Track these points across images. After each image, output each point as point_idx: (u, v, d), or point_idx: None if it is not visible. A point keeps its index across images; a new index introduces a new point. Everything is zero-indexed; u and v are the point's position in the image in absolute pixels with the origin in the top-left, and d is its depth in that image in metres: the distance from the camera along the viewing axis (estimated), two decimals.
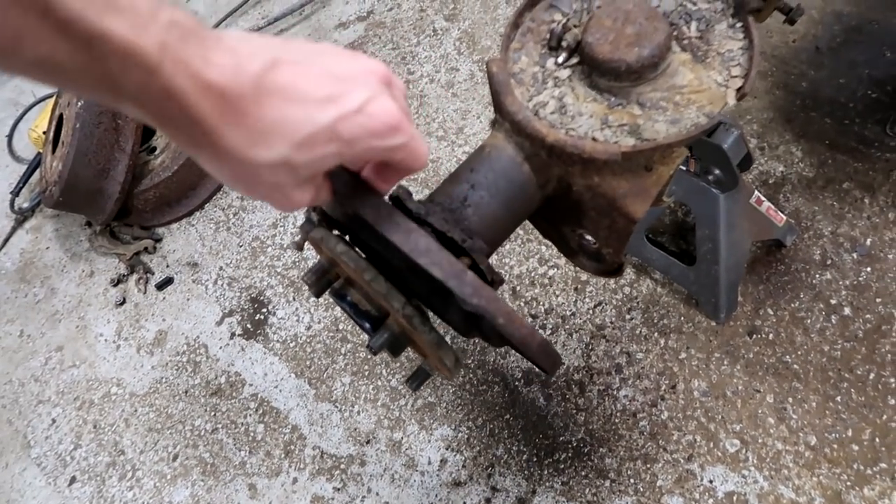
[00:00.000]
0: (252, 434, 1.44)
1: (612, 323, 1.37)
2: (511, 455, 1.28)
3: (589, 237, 0.86)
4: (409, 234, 0.62)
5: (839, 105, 1.48)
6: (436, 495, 1.28)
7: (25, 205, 1.90)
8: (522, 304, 1.42)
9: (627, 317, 1.37)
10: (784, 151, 1.47)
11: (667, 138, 0.71)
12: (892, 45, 1.53)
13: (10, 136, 2.08)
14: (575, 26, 0.82)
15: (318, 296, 0.74)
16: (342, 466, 1.35)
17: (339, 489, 1.33)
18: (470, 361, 1.40)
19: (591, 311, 1.39)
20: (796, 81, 1.54)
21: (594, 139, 0.73)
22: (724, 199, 1.19)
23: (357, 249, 0.72)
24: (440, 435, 1.33)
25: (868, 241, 1.33)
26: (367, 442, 1.36)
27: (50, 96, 1.81)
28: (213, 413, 1.49)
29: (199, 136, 0.43)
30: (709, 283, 1.28)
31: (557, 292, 1.41)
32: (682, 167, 1.20)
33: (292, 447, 1.40)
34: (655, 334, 1.34)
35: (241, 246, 1.69)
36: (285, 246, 1.65)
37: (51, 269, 1.83)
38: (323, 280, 0.74)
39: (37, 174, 1.88)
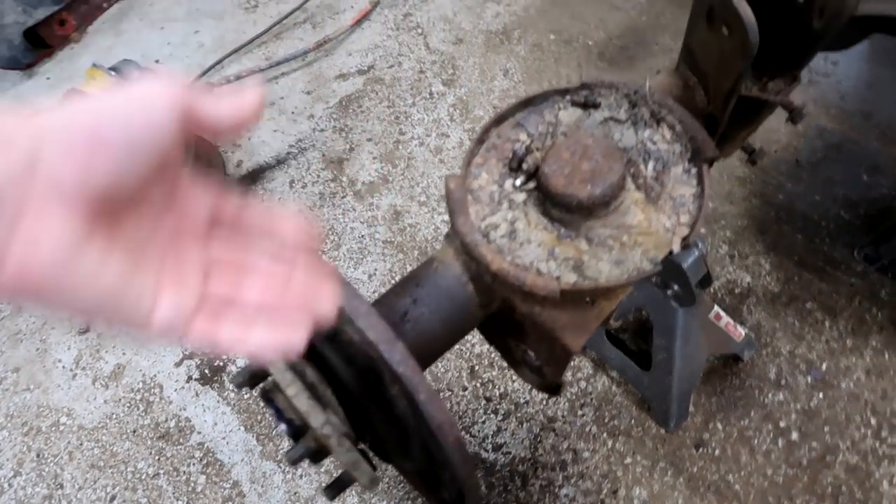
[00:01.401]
0: (193, 484, 1.43)
1: (563, 417, 1.37)
2: None
3: (532, 353, 0.87)
4: (353, 300, 0.62)
5: (812, 222, 1.49)
6: None
7: None
8: (479, 384, 1.42)
9: (580, 412, 1.37)
10: (753, 262, 1.48)
11: (608, 281, 0.72)
12: (869, 168, 1.55)
13: None
14: (537, 149, 0.83)
15: (239, 388, 0.74)
16: None
17: None
18: None
19: (544, 402, 1.39)
20: (773, 192, 1.56)
21: (538, 271, 0.74)
22: (682, 314, 1.19)
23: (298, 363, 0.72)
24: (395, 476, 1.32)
25: (824, 366, 1.34)
26: (306, 498, 1.35)
27: None
28: (157, 457, 1.47)
29: None
30: (661, 390, 1.29)
31: (514, 378, 1.41)
32: None
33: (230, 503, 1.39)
34: (604, 434, 1.34)
35: None
36: None
37: None
38: (252, 380, 0.74)
39: None
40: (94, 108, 0.35)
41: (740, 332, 1.33)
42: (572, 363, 1.43)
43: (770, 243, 1.50)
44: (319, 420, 0.65)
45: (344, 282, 0.62)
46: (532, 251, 0.76)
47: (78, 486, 1.47)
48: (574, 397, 1.39)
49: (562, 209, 0.76)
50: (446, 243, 0.81)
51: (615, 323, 1.02)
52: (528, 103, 0.86)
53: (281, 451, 1.42)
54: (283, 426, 0.72)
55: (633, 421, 1.35)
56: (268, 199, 1.79)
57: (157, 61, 2.19)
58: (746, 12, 0.68)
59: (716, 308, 1.27)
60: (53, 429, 1.56)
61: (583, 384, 1.40)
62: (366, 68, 2.02)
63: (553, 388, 0.88)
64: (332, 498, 0.75)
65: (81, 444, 1.52)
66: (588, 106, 0.85)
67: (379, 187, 1.75)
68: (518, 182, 0.81)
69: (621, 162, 0.77)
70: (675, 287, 1.19)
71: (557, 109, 0.86)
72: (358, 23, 2.11)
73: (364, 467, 0.69)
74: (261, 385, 0.75)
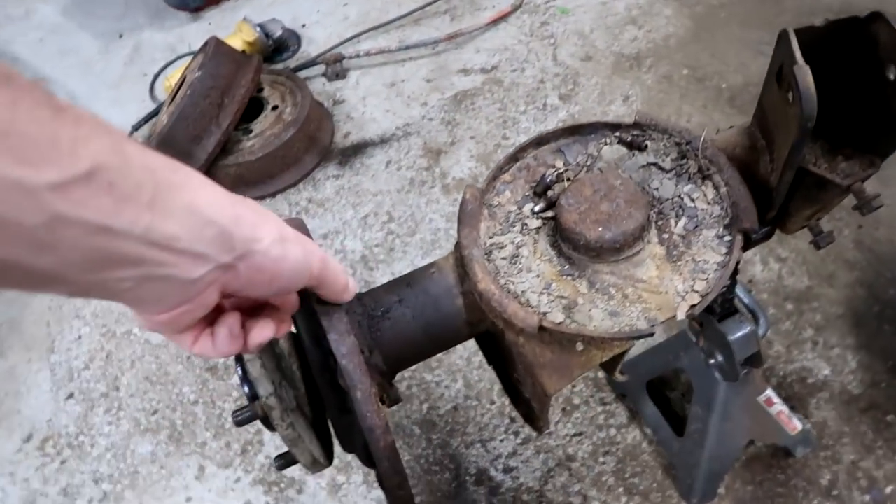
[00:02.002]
0: (223, 420, 1.51)
1: (583, 459, 1.31)
2: None
3: (522, 383, 0.84)
4: (343, 333, 0.63)
5: None
6: None
7: (139, 141, 2.11)
8: (507, 402, 1.39)
9: (601, 459, 1.30)
10: (838, 356, 1.33)
11: (594, 330, 0.68)
12: None
13: (155, 77, 2.31)
14: (568, 179, 0.79)
15: None
16: (282, 485, 1.39)
17: None
18: (435, 437, 1.38)
19: (568, 438, 1.33)
20: (884, 286, 1.39)
21: (527, 301, 0.71)
22: (724, 388, 1.10)
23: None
24: (378, 496, 1.33)
25: (888, 489, 1.18)
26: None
27: (192, 54, 1.99)
28: (201, 387, 1.57)
29: None
30: (690, 462, 1.19)
31: None
32: (692, 335, 1.13)
33: (249, 448, 1.46)
34: (621, 489, 1.27)
35: None
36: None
37: None
38: None
39: (155, 119, 2.07)
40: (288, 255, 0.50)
41: (796, 425, 1.20)
42: (607, 406, 1.36)
43: (863, 340, 1.34)
44: (266, 390, 0.67)
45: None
46: (528, 281, 0.73)
47: (130, 392, 1.61)
48: (600, 442, 1.32)
49: (570, 245, 0.73)
50: (451, 253, 0.80)
51: (622, 377, 0.95)
52: (574, 131, 0.82)
53: None
54: (245, 388, 0.75)
55: (654, 484, 1.26)
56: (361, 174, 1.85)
57: (303, 25, 2.32)
58: (805, 79, 0.61)
59: (769, 392, 1.16)
60: (125, 336, 1.71)
61: (612, 431, 1.33)
62: (489, 68, 2.02)
63: (537, 426, 0.84)
64: (279, 468, 0.77)
65: (143, 357, 1.66)
66: (634, 146, 0.80)
67: (467, 185, 1.74)
68: (537, 208, 0.78)
69: (644, 211, 0.72)
70: (719, 358, 1.10)
71: (602, 143, 0.82)
72: (494, 22, 2.11)
73: (303, 447, 0.70)
74: None
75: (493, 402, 1.40)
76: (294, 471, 1.39)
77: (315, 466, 0.74)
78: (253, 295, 0.51)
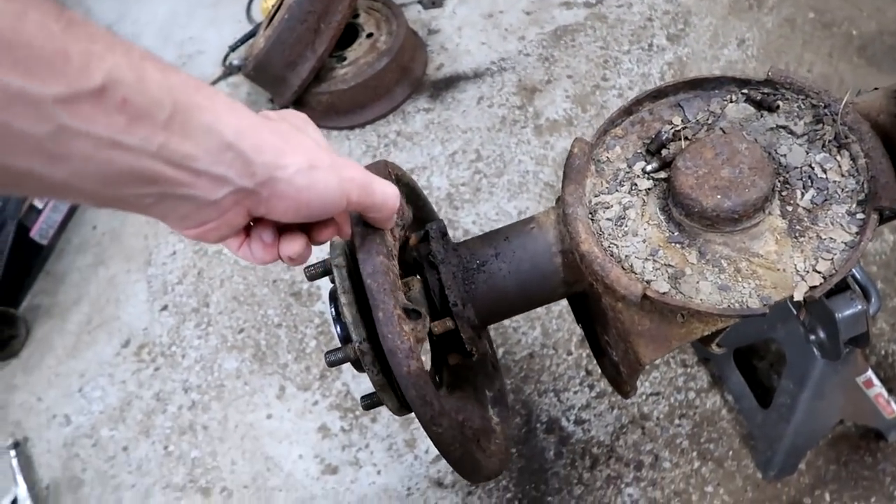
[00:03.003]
0: (304, 345, 1.57)
1: (658, 419, 1.29)
2: (497, 487, 1.29)
3: (612, 346, 0.81)
4: (370, 253, 0.62)
5: None
6: (416, 484, 1.32)
7: (235, 62, 2.12)
8: (585, 354, 1.38)
9: (677, 421, 1.28)
10: None
11: (701, 304, 0.64)
12: None
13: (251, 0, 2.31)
14: (686, 139, 0.74)
15: (309, 279, 0.78)
16: (357, 413, 1.44)
17: (345, 430, 1.42)
18: (509, 382, 1.39)
19: (644, 397, 1.31)
20: None
21: (631, 267, 0.68)
22: (822, 365, 1.04)
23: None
24: None
25: None
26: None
27: None
28: (284, 310, 1.63)
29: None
30: (773, 435, 1.15)
31: None
32: (792, 307, 1.07)
33: (328, 374, 1.51)
34: (694, 453, 1.24)
35: None
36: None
37: None
38: (324, 275, 0.77)
39: (251, 41, 2.07)
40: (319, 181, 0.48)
41: (894, 408, 1.14)
42: (688, 369, 1.32)
43: None
44: (360, 335, 0.67)
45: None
46: (634, 245, 0.70)
47: (219, 310, 1.68)
48: (677, 404, 1.30)
49: (682, 211, 0.68)
50: (552, 208, 0.77)
51: (719, 349, 0.91)
52: (696, 84, 0.76)
53: None
54: (337, 328, 0.75)
55: (730, 452, 1.23)
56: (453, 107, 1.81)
57: None
58: None
59: (869, 373, 1.09)
60: (216, 255, 1.78)
61: (692, 395, 1.30)
62: (593, 2, 1.91)
63: (623, 390, 0.83)
64: (365, 408, 0.78)
65: (232, 277, 1.72)
66: (763, 106, 0.73)
67: (560, 128, 1.68)
68: (650, 167, 0.73)
69: (769, 180, 0.66)
70: (821, 335, 1.03)
71: (728, 101, 0.75)
72: None
73: (392, 393, 0.71)
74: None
75: (569, 353, 1.38)
76: None
77: (401, 411, 0.74)
78: (283, 220, 0.50)
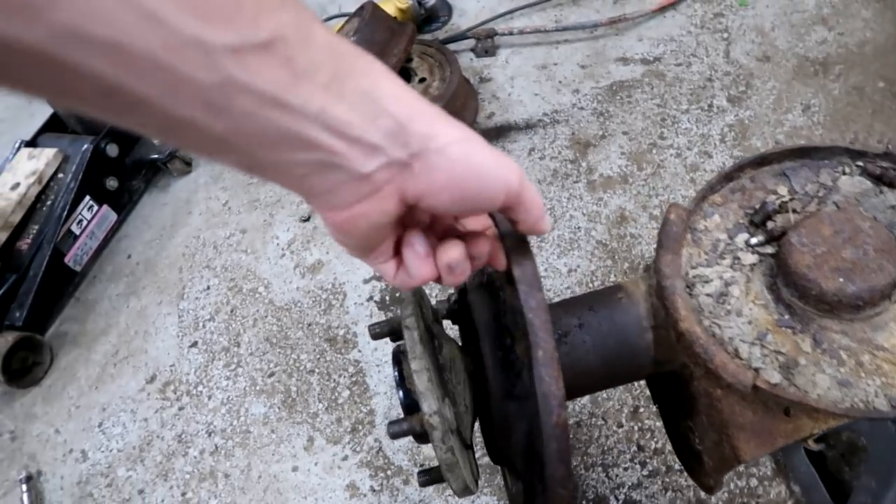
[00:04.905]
0: (336, 394, 1.49)
1: None
2: None
3: (696, 434, 0.74)
4: (533, 287, 0.56)
5: None
6: None
7: None
8: (637, 428, 1.29)
9: None
10: None
11: (819, 401, 0.57)
12: None
13: None
14: (794, 211, 0.68)
15: (375, 337, 0.72)
16: (389, 472, 1.35)
17: (374, 490, 1.34)
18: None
19: None
20: None
21: (736, 351, 0.61)
22: None
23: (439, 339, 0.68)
24: (483, 502, 1.27)
25: None
26: (423, 465, 1.34)
27: (344, 15, 1.96)
28: (318, 356, 1.56)
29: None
30: None
31: None
32: None
33: (360, 428, 1.43)
34: None
35: None
36: None
37: None
38: (391, 334, 0.71)
39: None
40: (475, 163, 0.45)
41: None
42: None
43: None
44: (431, 407, 0.60)
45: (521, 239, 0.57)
46: (738, 326, 0.63)
47: (250, 350, 1.62)
48: (738, 492, 1.20)
49: (795, 292, 0.62)
50: (641, 277, 0.70)
51: (815, 445, 0.83)
52: (804, 153, 0.70)
53: None
54: (400, 394, 0.69)
55: None
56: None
57: None
58: None
59: None
60: (251, 294, 1.73)
61: (753, 482, 1.20)
62: (651, 59, 1.87)
63: (705, 484, 0.74)
64: (421, 485, 0.71)
65: (266, 317, 1.67)
66: (883, 182, 0.67)
67: (615, 184, 1.63)
68: (754, 241, 0.67)
69: None
70: None
71: (840, 173, 0.69)
72: (662, 9, 1.95)
73: (458, 473, 0.64)
74: (397, 343, 0.73)
75: (620, 426, 1.29)
76: (403, 461, 1.35)
77: (465, 493, 0.67)
78: (437, 206, 0.46)
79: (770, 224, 0.67)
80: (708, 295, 0.65)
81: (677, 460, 1.21)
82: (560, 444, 0.56)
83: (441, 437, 0.61)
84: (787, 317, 0.62)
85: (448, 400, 0.65)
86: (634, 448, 1.26)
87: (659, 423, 1.26)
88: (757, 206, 0.68)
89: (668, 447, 1.23)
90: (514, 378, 0.63)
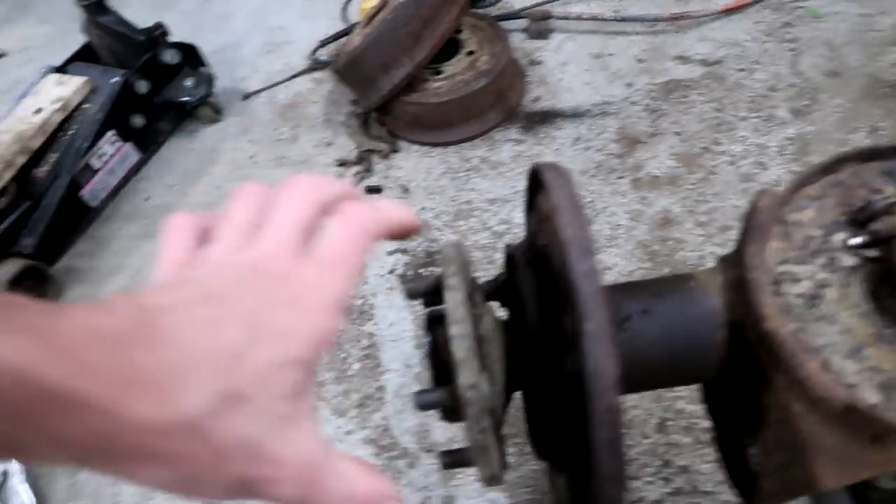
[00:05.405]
0: (347, 365, 1.43)
1: None
2: None
3: (754, 452, 0.66)
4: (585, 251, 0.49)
5: None
6: None
7: (322, 57, 2.04)
8: (663, 442, 1.21)
9: None
10: None
11: None
12: None
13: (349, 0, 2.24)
14: None
15: (409, 297, 0.64)
16: (394, 454, 1.28)
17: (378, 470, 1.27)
18: None
19: None
20: None
21: (825, 363, 0.53)
22: None
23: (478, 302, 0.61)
24: (490, 498, 1.20)
25: None
26: (430, 450, 1.27)
27: None
28: None
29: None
30: None
31: (708, 459, 1.17)
32: None
33: (368, 403, 1.36)
34: None
35: (453, 200, 1.65)
36: (490, 227, 1.58)
37: (306, 120, 1.95)
38: (425, 295, 0.64)
39: (344, 39, 1.99)
40: None
41: None
42: None
43: None
44: (468, 379, 0.53)
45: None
46: (830, 334, 0.55)
47: None
48: None
49: None
50: (718, 268, 0.63)
51: (891, 483, 0.74)
52: None
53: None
54: (430, 362, 0.62)
55: None
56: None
57: None
58: None
59: None
60: None
61: None
62: (712, 61, 1.78)
63: None
64: (444, 466, 0.64)
65: None
66: None
67: (662, 185, 1.54)
68: (855, 241, 0.59)
69: None
70: None
71: None
72: (728, 11, 1.87)
73: (490, 458, 0.57)
74: (431, 308, 0.65)
75: (646, 437, 1.22)
76: (410, 443, 1.28)
77: (492, 482, 0.60)
78: None
79: (874, 225, 0.59)
80: (798, 296, 0.57)
81: (706, 484, 1.13)
82: (611, 432, 0.49)
83: (476, 415, 0.54)
84: (889, 330, 0.54)
85: (487, 374, 0.58)
86: (659, 462, 1.19)
87: (687, 440, 1.18)
88: (860, 205, 0.60)
89: (696, 465, 1.16)
90: (562, 357, 0.56)
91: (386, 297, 1.51)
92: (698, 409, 1.21)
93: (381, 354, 1.42)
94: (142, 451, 0.30)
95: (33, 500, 1.32)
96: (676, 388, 1.23)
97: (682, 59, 1.81)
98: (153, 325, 0.31)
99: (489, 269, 1.48)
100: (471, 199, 1.64)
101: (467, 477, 1.22)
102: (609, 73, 1.82)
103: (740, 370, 0.60)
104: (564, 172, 0.57)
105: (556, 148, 1.68)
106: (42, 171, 1.70)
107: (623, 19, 1.90)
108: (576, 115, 1.74)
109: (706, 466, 1.15)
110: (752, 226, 0.59)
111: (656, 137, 1.64)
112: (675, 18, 1.87)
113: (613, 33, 1.92)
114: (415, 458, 1.26)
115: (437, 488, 1.22)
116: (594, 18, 1.92)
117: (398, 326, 1.46)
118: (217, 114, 1.99)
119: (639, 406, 1.23)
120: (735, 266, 0.59)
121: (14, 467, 1.36)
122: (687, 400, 1.22)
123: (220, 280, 0.36)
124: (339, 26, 2.17)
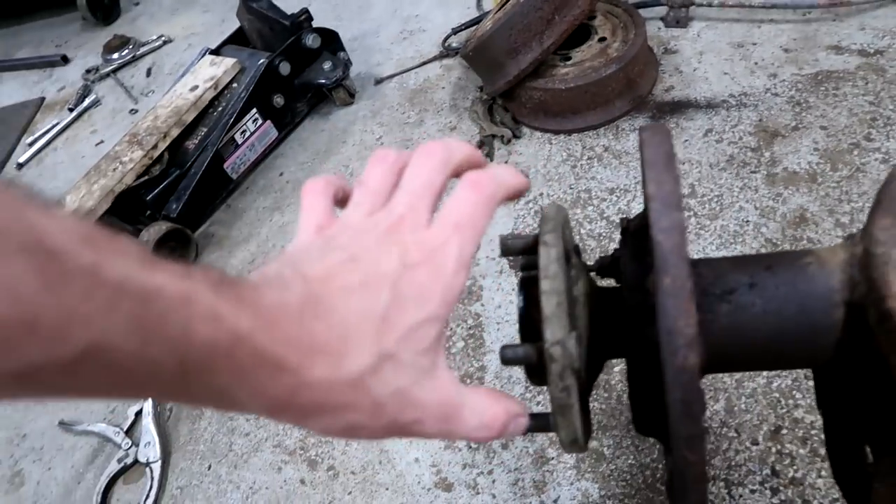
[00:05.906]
0: (451, 343, 1.44)
1: None
2: None
3: (870, 450, 0.60)
4: (669, 205, 0.47)
5: None
6: None
7: (454, 44, 2.08)
8: (775, 450, 1.12)
9: None
10: None
11: None
12: None
13: None
14: None
15: (503, 253, 0.64)
16: None
17: (471, 448, 1.28)
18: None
19: None
20: None
21: None
22: None
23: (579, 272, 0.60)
24: (582, 487, 1.17)
25: None
26: (524, 434, 1.26)
27: None
28: None
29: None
30: None
31: (825, 473, 1.07)
32: None
33: (469, 382, 1.37)
34: None
35: (571, 187, 1.62)
36: (607, 216, 1.54)
37: (432, 105, 2.00)
38: (522, 252, 0.63)
39: (475, 27, 2.01)
40: None
41: None
42: None
43: None
44: (555, 335, 0.52)
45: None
46: None
47: None
48: None
49: None
50: (841, 246, 0.57)
51: None
52: None
53: None
54: (520, 320, 0.61)
55: None
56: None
57: None
58: None
59: None
60: None
61: None
62: (871, 51, 1.62)
63: None
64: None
65: None
66: None
67: (800, 182, 1.43)
68: None
69: None
70: None
71: None
72: None
73: (570, 418, 0.55)
74: (528, 270, 0.64)
75: (755, 443, 1.13)
76: None
77: (573, 446, 0.58)
78: None
79: None
80: None
81: (819, 497, 1.04)
82: (687, 393, 0.46)
83: (560, 372, 0.52)
84: None
85: (575, 335, 0.56)
86: (768, 471, 1.10)
87: (804, 451, 1.09)
88: None
89: (810, 479, 1.06)
90: (651, 323, 0.53)
91: (495, 279, 1.52)
92: (819, 420, 1.12)
93: (485, 335, 1.43)
94: (319, 405, 0.37)
95: (157, 440, 1.44)
96: (796, 396, 1.13)
97: (837, 48, 1.67)
98: (318, 297, 0.37)
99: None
100: (590, 188, 1.60)
101: (560, 463, 1.20)
102: (750, 64, 1.71)
103: (858, 356, 0.54)
104: (662, 130, 0.54)
105: (686, 139, 1.60)
106: (192, 142, 1.86)
107: (773, 6, 1.78)
108: (710, 106, 1.65)
109: (821, 481, 1.05)
110: (885, 195, 0.53)
111: (799, 131, 1.53)
112: (832, 5, 1.72)
113: (759, 22, 1.80)
114: (508, 439, 1.25)
115: (528, 471, 1.21)
116: (740, 5, 1.81)
117: (504, 309, 1.45)
118: (350, 97, 2.08)
119: (750, 410, 1.15)
120: (861, 241, 0.54)
121: (147, 408, 1.50)
122: (806, 409, 1.12)
123: (360, 244, 0.41)
124: (473, 15, 2.20)
